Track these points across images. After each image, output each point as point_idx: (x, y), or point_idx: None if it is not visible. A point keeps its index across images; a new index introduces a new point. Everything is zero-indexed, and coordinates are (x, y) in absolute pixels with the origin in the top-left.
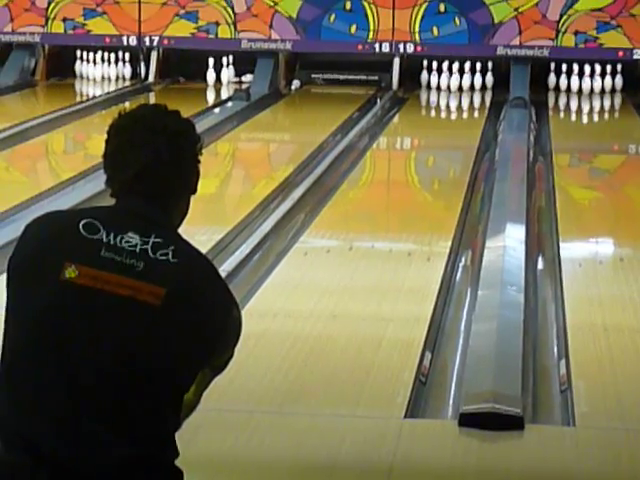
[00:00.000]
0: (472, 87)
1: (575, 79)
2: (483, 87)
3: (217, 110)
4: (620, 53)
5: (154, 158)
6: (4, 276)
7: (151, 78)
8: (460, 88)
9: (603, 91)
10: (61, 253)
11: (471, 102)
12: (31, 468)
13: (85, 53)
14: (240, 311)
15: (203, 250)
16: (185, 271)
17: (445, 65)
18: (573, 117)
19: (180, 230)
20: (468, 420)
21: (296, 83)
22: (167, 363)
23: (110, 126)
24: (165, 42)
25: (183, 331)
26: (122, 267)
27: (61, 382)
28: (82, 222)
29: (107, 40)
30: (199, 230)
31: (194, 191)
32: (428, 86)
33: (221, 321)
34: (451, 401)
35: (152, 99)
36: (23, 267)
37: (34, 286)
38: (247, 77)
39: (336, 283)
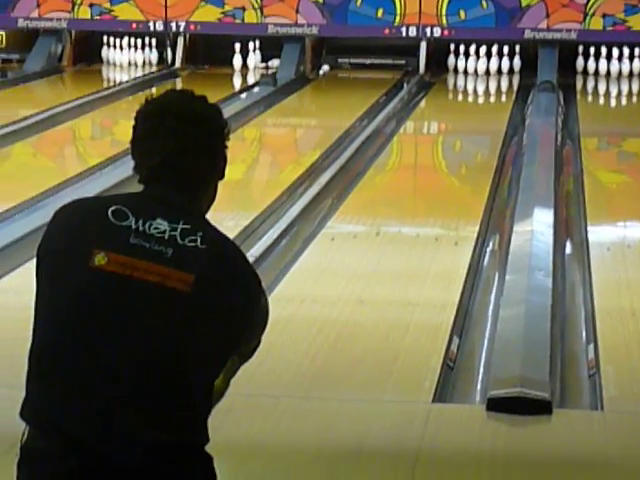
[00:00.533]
0: (499, 71)
1: (603, 62)
2: (510, 71)
3: (244, 95)
4: None
5: (181, 144)
6: (34, 261)
7: (178, 64)
8: (487, 72)
9: (631, 74)
10: (90, 240)
11: (498, 86)
12: (61, 454)
13: (112, 39)
14: (267, 299)
15: (230, 236)
16: (214, 257)
17: (472, 49)
18: (601, 100)
19: (207, 216)
20: (496, 405)
21: (325, 68)
22: (197, 349)
23: (137, 112)
24: (192, 27)
25: (212, 317)
26: (151, 254)
27: (92, 369)
28: (111, 209)
29: (134, 26)
30: (226, 216)
31: (222, 177)
32: (455, 70)
33: (249, 308)
34: (479, 386)
35: (179, 85)
36: (52, 255)
37: (64, 273)
38: (274, 62)
39: (363, 268)
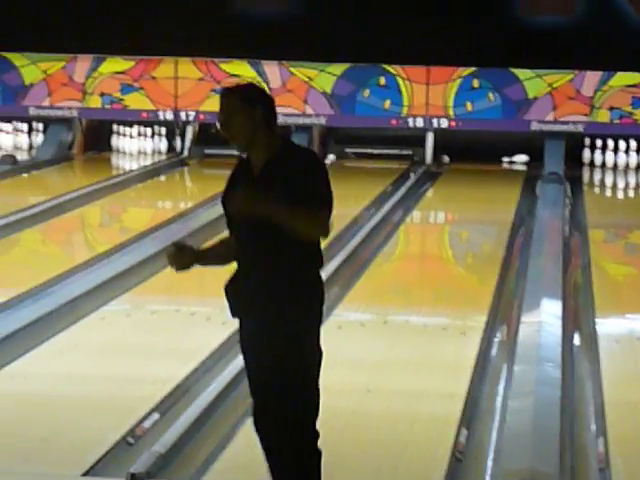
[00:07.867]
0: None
1: (610, 155)
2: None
3: None
4: None
5: None
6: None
7: (186, 152)
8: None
9: (638, 167)
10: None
11: (506, 176)
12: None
13: (122, 127)
14: (329, 182)
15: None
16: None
17: None
18: (608, 192)
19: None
20: None
21: (331, 157)
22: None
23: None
24: (201, 117)
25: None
26: None
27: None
28: None
29: (144, 115)
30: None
31: None
32: None
33: (306, 175)
34: (488, 479)
35: (187, 173)
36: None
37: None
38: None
39: (370, 357)
